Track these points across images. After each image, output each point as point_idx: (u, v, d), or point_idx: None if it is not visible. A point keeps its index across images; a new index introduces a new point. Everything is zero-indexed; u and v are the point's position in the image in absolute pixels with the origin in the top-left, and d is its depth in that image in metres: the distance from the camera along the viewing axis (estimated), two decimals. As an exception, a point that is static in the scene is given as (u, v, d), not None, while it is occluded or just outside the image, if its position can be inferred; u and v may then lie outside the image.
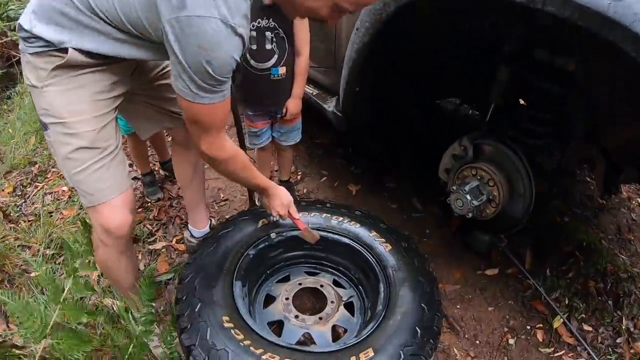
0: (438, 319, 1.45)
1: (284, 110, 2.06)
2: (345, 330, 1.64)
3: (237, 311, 1.43)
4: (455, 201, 1.73)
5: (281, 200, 1.63)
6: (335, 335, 1.64)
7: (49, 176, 2.89)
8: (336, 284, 1.80)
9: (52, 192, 2.72)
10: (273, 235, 1.73)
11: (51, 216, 2.47)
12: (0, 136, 3.62)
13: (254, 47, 1.82)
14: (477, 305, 1.95)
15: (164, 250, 2.32)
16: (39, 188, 2.76)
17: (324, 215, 1.79)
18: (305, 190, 2.64)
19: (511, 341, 1.80)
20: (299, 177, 2.77)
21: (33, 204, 2.64)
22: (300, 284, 1.76)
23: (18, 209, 2.59)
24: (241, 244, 1.67)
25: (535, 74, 1.57)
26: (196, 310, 1.42)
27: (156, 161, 2.90)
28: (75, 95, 1.28)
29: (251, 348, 1.28)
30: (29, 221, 2.48)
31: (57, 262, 2.20)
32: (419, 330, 1.36)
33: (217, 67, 1.09)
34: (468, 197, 1.67)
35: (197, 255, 1.64)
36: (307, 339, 1.57)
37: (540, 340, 1.82)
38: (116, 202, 1.39)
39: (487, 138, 1.78)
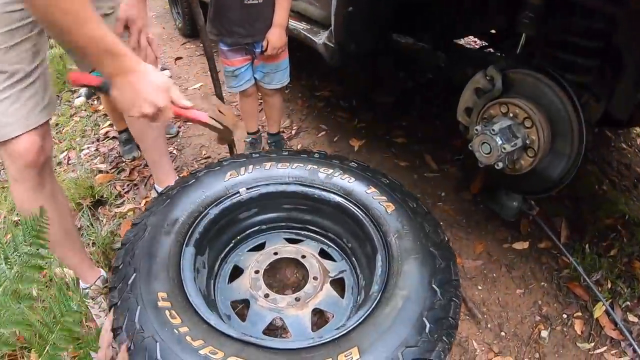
0: (455, 307, 1.04)
1: (264, 44, 1.69)
2: (333, 316, 1.28)
3: (180, 286, 1.08)
4: (481, 145, 1.31)
5: (153, 83, 0.93)
6: (323, 321, 1.30)
7: None
8: (324, 254, 1.43)
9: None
10: (243, 190, 1.37)
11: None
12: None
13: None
14: (502, 287, 1.57)
15: (130, 213, 2.01)
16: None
17: (309, 166, 1.42)
18: (299, 146, 2.28)
19: (544, 333, 1.42)
20: (293, 131, 2.40)
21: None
22: (275, 253, 1.40)
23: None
24: (200, 202, 1.32)
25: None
26: (129, 282, 1.09)
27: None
28: None
29: (187, 338, 0.94)
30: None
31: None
32: (427, 323, 0.97)
33: None
34: (498, 139, 1.26)
35: (146, 215, 1.30)
36: (279, 327, 1.22)
37: (579, 332, 1.44)
38: (23, 139, 1.17)
39: (519, 67, 1.36)
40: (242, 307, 1.31)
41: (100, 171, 2.38)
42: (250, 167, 1.43)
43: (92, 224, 2.00)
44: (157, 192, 1.87)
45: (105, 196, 2.14)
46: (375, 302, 1.04)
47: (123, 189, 2.21)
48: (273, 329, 1.28)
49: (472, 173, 1.89)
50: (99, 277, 1.51)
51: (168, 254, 1.17)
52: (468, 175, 1.94)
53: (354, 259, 1.39)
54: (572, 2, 1.18)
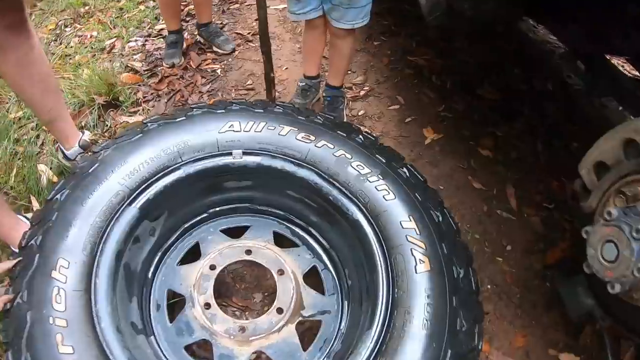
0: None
1: None
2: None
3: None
4: (604, 243, 0.83)
5: None
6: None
7: (90, 20, 2.69)
8: (312, 278, 1.08)
9: (81, 36, 2.54)
10: (237, 153, 1.03)
11: (63, 60, 2.29)
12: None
13: None
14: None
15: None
16: (75, 29, 2.62)
17: (340, 152, 1.04)
18: (361, 112, 1.89)
19: None
20: (362, 92, 2.00)
21: (61, 44, 2.50)
22: (249, 252, 1.06)
23: (47, 47, 2.42)
24: (177, 150, 1.00)
25: None
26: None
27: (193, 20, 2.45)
28: None
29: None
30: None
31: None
32: None
33: None
34: (634, 245, 0.79)
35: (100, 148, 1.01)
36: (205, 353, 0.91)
37: None
38: None
39: None
40: (178, 302, 1.01)
41: (133, 69, 2.15)
42: (262, 124, 1.07)
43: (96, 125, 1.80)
44: (66, 157, 1.59)
45: (121, 100, 1.91)
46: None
47: (144, 97, 1.98)
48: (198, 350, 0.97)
49: (557, 234, 1.42)
50: None
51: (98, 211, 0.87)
52: (551, 235, 1.46)
53: (350, 297, 1.02)
54: None
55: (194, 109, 1.11)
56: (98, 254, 0.86)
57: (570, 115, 1.93)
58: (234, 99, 1.20)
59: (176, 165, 1.00)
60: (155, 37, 2.51)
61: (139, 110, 1.89)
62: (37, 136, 1.82)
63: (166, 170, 0.99)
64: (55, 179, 1.60)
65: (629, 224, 0.78)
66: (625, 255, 0.77)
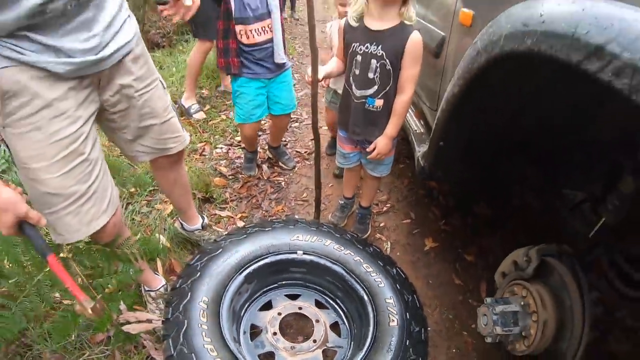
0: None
1: (371, 147, 2.16)
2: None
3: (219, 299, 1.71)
4: (481, 316, 1.68)
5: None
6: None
7: (184, 121, 3.61)
8: (334, 326, 1.97)
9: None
10: (300, 252, 1.96)
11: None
12: (164, 71, 4.61)
13: (357, 71, 2.01)
14: None
15: (225, 219, 2.71)
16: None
17: (357, 258, 1.95)
18: (382, 224, 2.79)
19: None
20: (385, 208, 2.92)
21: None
22: (300, 308, 1.98)
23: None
24: (266, 246, 1.94)
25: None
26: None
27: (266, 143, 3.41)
28: (31, 139, 1.30)
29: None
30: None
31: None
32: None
33: None
34: (494, 318, 1.60)
35: (224, 239, 1.96)
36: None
37: None
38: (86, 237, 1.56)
39: (562, 259, 1.61)
40: (257, 331, 1.89)
41: (221, 174, 3.17)
42: (315, 237, 2.01)
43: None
44: (183, 228, 2.41)
45: (214, 197, 2.90)
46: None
47: (230, 197, 2.95)
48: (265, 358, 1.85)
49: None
50: (162, 285, 2.09)
51: (223, 274, 1.80)
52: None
53: (354, 338, 1.88)
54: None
55: (275, 223, 2.06)
56: (223, 296, 1.76)
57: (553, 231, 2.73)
58: (299, 219, 2.14)
59: (265, 255, 1.93)
60: (235, 146, 3.56)
61: (226, 207, 2.87)
62: (150, 211, 2.70)
63: (259, 258, 1.91)
64: (168, 244, 2.41)
65: (492, 306, 1.64)
66: (488, 322, 1.63)
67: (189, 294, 1.74)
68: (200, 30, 3.67)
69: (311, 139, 3.67)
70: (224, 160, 3.36)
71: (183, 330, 1.61)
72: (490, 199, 2.89)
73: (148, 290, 2.08)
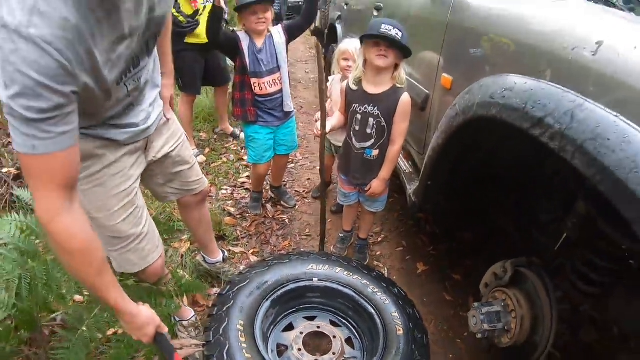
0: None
1: (368, 187, 2.59)
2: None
3: (252, 321, 2.05)
4: (471, 317, 2.08)
5: (136, 323, 1.46)
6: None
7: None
8: (349, 341, 2.31)
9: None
10: (316, 280, 2.31)
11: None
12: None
13: (357, 127, 2.44)
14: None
15: (239, 254, 3.05)
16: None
17: (364, 281, 2.32)
18: (378, 253, 3.17)
19: None
20: (380, 238, 3.30)
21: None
22: (318, 327, 2.32)
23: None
24: (286, 276, 2.30)
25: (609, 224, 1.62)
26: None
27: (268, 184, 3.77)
28: (95, 194, 1.56)
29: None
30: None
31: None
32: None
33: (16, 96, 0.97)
34: (482, 318, 2.00)
35: (249, 271, 2.31)
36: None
37: None
38: (140, 270, 1.84)
39: (531, 268, 2.02)
40: (282, 350, 2.22)
41: (230, 214, 3.51)
42: (327, 266, 2.37)
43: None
44: (203, 257, 2.70)
45: (226, 235, 3.24)
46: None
47: (240, 235, 3.29)
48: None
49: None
50: (193, 316, 2.36)
51: (252, 301, 2.15)
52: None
53: (366, 350, 2.23)
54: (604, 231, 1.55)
55: (292, 255, 2.43)
56: (255, 320, 2.09)
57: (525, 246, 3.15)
58: (311, 251, 2.50)
59: (285, 284, 2.28)
60: (239, 187, 3.91)
61: (238, 244, 3.19)
62: (168, 249, 2.83)
63: (281, 286, 2.26)
64: (190, 279, 2.79)
65: (479, 309, 2.02)
66: (476, 321, 2.01)
67: (227, 319, 2.07)
68: (187, 86, 4.16)
69: (307, 179, 4.08)
70: (230, 201, 3.70)
71: (225, 350, 1.93)
72: (471, 225, 3.31)
73: (180, 321, 2.38)
